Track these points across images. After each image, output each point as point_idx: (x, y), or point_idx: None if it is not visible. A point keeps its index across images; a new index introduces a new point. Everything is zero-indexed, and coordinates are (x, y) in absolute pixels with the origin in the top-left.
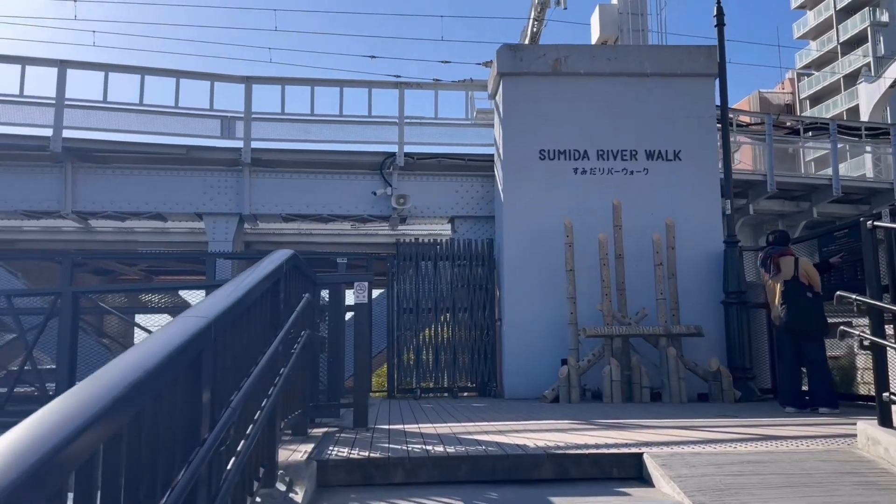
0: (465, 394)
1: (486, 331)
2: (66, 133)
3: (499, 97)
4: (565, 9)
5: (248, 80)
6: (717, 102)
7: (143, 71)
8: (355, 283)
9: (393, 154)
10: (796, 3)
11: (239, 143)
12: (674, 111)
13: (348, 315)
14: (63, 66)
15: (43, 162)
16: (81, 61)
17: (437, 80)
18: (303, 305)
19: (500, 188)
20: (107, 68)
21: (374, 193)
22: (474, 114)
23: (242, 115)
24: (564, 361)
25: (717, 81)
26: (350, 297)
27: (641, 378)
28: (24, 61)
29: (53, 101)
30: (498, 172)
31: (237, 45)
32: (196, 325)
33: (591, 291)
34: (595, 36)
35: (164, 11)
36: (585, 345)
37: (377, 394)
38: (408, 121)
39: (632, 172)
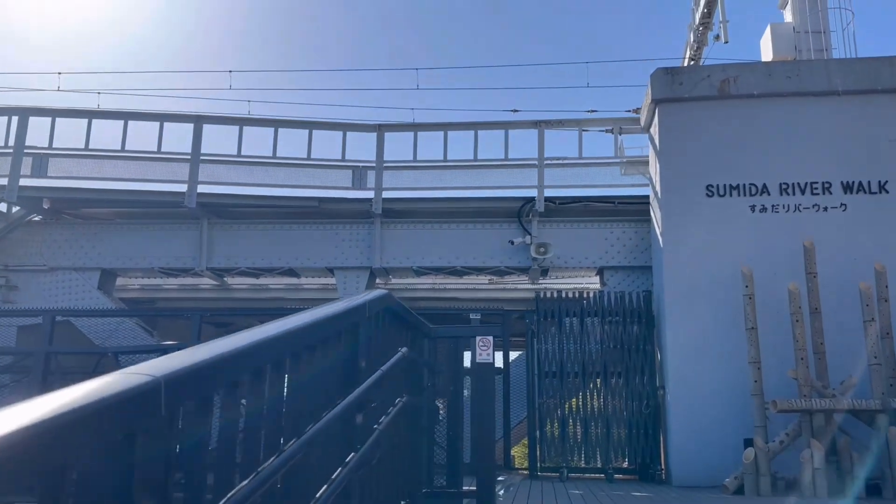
0: (622, 476)
1: (645, 401)
2: (202, 188)
3: (654, 128)
4: (726, 42)
5: (381, 129)
6: None
7: (276, 124)
8: (478, 338)
9: (532, 199)
10: None
11: (370, 194)
12: (875, 134)
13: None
14: (199, 121)
15: (179, 218)
16: (217, 115)
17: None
18: (396, 360)
19: (658, 233)
20: (241, 122)
21: (512, 243)
22: (623, 156)
23: (374, 164)
24: (749, 442)
25: None
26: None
27: (853, 465)
28: (162, 118)
29: (189, 157)
30: (655, 215)
31: (380, 108)
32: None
33: (779, 354)
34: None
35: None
36: (775, 421)
37: (520, 471)
38: (548, 162)
39: (825, 209)
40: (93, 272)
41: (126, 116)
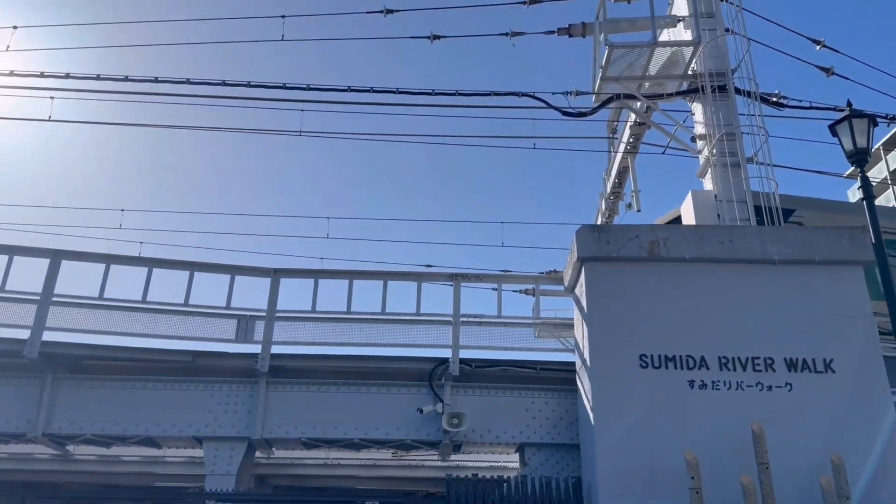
0: None
1: None
2: (49, 336)
3: (580, 289)
4: (638, 211)
5: (276, 273)
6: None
7: (151, 263)
8: None
9: (445, 360)
10: None
11: (256, 348)
12: (816, 307)
13: None
14: (57, 256)
15: (17, 371)
16: (77, 252)
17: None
18: None
19: (587, 406)
20: (108, 259)
21: (421, 411)
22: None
23: (264, 314)
24: None
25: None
26: None
27: None
28: (13, 251)
29: (37, 298)
30: (583, 385)
31: (282, 255)
32: None
33: None
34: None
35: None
36: None
37: None
38: (464, 319)
39: (769, 388)
40: None
41: None
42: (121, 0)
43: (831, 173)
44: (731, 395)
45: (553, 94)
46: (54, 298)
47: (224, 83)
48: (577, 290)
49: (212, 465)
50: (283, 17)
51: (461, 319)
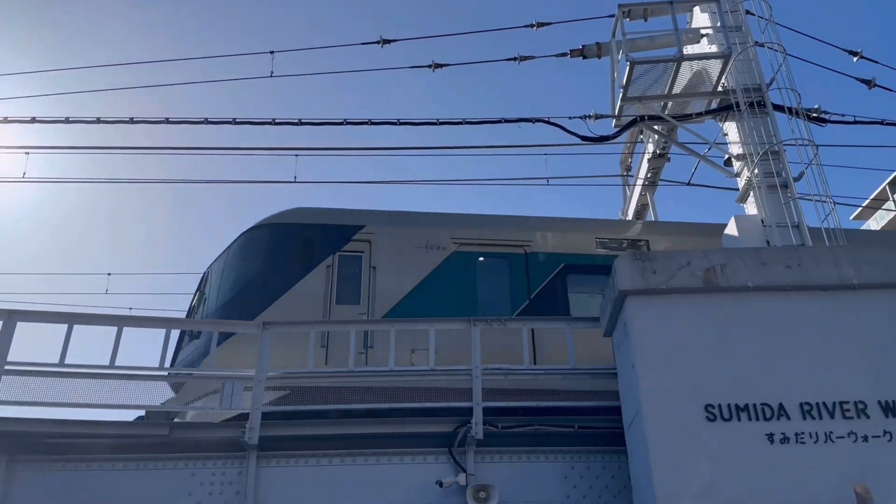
0: None
1: None
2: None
3: (622, 329)
4: None
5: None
6: None
7: (122, 321)
8: None
9: (466, 422)
10: None
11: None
12: None
13: None
14: (11, 317)
15: None
16: (33, 311)
17: None
18: None
19: (641, 470)
20: (69, 319)
21: (440, 484)
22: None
23: (251, 375)
24: None
25: None
26: None
27: None
28: None
29: None
30: (634, 445)
31: None
32: None
33: None
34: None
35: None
36: None
37: None
38: (487, 371)
39: (865, 439)
40: None
41: None
42: (87, 43)
43: None
44: (820, 450)
45: (570, 118)
46: (7, 367)
47: (206, 121)
48: (617, 331)
49: None
50: (271, 52)
51: (481, 371)
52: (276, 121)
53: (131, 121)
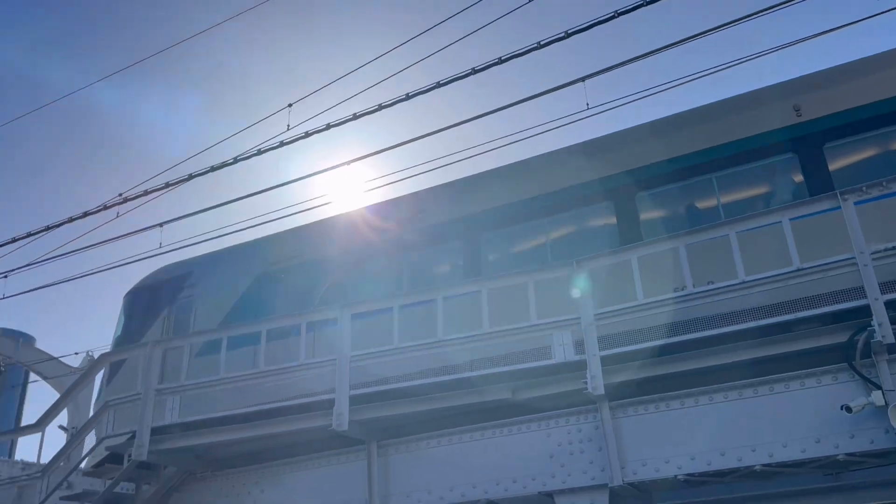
0: None
1: None
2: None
3: None
4: None
5: None
6: None
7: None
8: None
9: (865, 326)
10: None
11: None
12: None
13: None
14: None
15: (339, 447)
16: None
17: None
18: None
19: None
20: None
21: (848, 409)
22: None
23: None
24: None
25: None
26: None
27: None
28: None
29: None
30: None
31: None
32: None
33: None
34: None
35: None
36: None
37: None
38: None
39: None
40: None
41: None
42: None
43: None
44: None
45: None
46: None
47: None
48: None
49: None
50: (289, 105)
51: (870, 257)
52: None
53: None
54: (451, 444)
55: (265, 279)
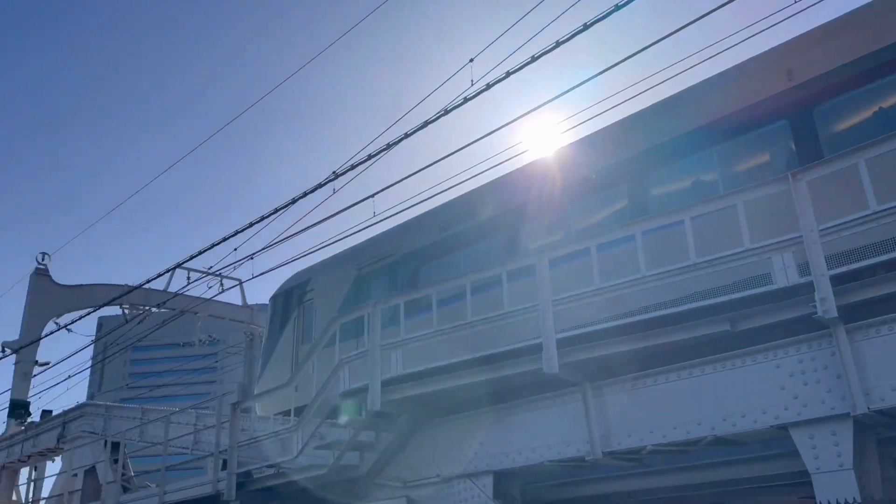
0: None
1: None
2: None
3: None
4: None
5: None
6: None
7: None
8: None
9: None
10: None
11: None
12: None
13: None
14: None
15: (560, 388)
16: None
17: None
18: None
19: None
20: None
21: None
22: None
23: None
24: None
25: None
26: None
27: None
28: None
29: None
30: None
31: None
32: None
33: None
34: None
35: None
36: None
37: None
38: None
39: None
40: (484, 477)
41: None
42: None
43: None
44: None
45: None
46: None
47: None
48: None
49: (813, 461)
50: (470, 60)
51: None
52: None
53: None
54: (669, 382)
55: (360, 280)
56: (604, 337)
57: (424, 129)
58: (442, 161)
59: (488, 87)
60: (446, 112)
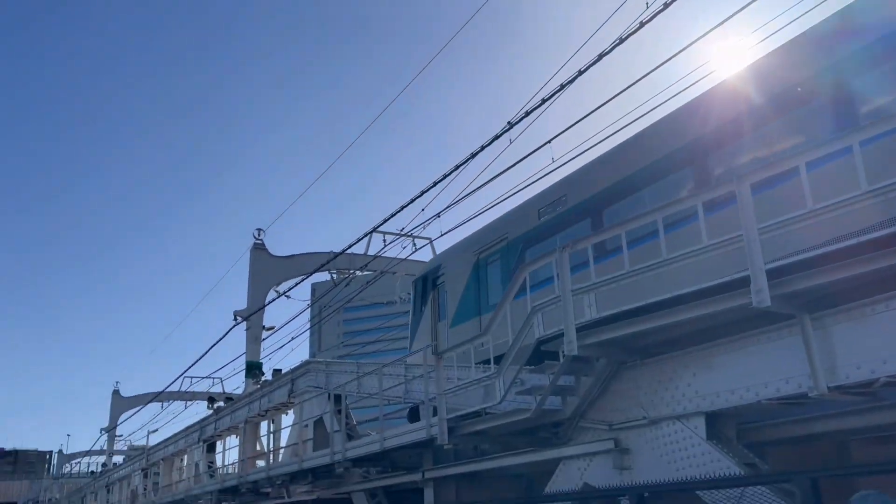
0: None
1: None
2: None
3: None
4: None
5: None
6: None
7: None
8: None
9: None
10: None
11: None
12: None
13: None
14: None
15: (761, 325)
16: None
17: None
18: None
19: None
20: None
21: None
22: None
23: None
24: None
25: None
26: None
27: None
28: None
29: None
30: None
31: None
32: None
33: None
34: None
35: None
36: None
37: None
38: None
39: None
40: (696, 418)
41: None
42: None
43: None
44: None
45: None
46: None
47: None
48: None
49: None
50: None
51: None
52: None
53: None
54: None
55: (478, 264)
56: (821, 263)
57: (600, 65)
58: (621, 95)
59: (665, 6)
60: (621, 41)
